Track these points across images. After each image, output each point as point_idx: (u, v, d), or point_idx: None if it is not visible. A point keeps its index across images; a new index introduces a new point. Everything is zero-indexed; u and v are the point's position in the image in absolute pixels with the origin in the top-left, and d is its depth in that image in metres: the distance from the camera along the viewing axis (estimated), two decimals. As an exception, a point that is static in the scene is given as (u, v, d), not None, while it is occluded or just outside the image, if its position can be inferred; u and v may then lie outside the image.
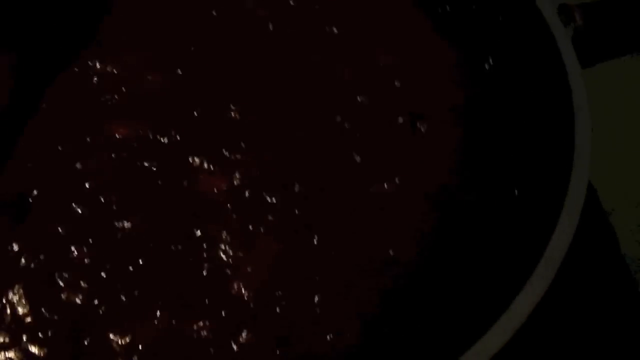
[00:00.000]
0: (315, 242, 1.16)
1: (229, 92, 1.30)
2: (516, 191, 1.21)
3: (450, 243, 1.19)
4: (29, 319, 1.09)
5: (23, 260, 1.13)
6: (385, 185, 1.22)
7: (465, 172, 1.27)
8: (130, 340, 1.09)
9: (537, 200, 1.18)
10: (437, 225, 1.21)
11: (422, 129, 1.30)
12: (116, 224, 1.17)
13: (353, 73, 1.36)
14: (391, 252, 1.16)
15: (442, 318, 1.10)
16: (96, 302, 1.11)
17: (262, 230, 1.17)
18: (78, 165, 1.22)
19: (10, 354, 1.06)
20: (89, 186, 1.20)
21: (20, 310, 1.10)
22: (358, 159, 1.25)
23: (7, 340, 1.07)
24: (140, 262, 1.14)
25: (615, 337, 1.28)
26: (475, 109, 1.35)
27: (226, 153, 1.24)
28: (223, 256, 1.15)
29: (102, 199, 1.19)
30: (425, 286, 1.14)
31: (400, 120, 1.30)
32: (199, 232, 1.17)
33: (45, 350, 1.07)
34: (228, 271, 1.14)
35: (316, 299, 1.12)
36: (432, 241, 1.19)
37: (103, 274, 1.14)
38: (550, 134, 1.24)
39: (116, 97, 1.29)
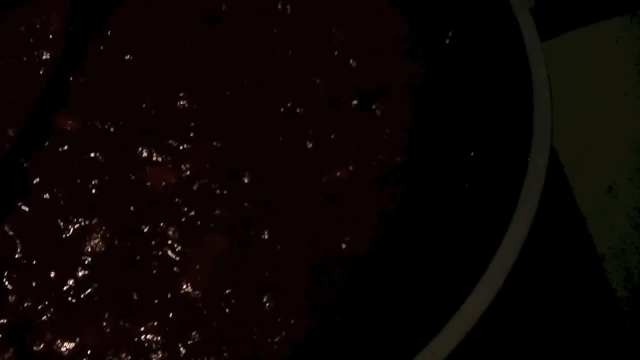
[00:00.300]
0: (265, 237, 1.14)
1: (178, 80, 1.27)
2: (471, 173, 1.18)
3: (403, 232, 1.17)
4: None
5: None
6: (338, 173, 1.19)
7: (418, 151, 1.24)
8: (77, 345, 1.08)
9: (493, 184, 1.15)
10: (391, 212, 1.19)
11: (377, 110, 1.27)
12: (60, 222, 1.14)
13: (307, 54, 1.32)
14: (344, 246, 1.14)
15: (396, 315, 1.08)
16: (43, 305, 1.10)
17: (210, 225, 1.15)
18: (25, 164, 1.19)
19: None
20: (35, 182, 1.18)
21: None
22: (310, 145, 1.22)
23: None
24: (87, 262, 1.12)
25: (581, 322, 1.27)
26: (431, 85, 1.31)
27: (175, 144, 1.21)
28: (171, 254, 1.13)
29: (47, 196, 1.17)
30: (378, 280, 1.12)
31: (354, 102, 1.27)
32: (146, 228, 1.15)
33: (-9, 355, 1.07)
34: (176, 269, 1.12)
35: (265, 297, 1.10)
36: (385, 231, 1.17)
37: (52, 274, 1.12)
38: (508, 110, 1.20)
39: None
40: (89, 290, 1.11)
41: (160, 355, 1.07)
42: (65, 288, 1.11)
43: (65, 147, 1.21)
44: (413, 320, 1.01)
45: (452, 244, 1.12)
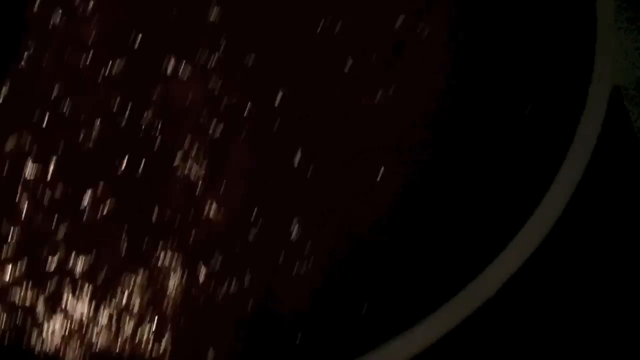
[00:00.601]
0: (297, 161, 1.05)
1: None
2: (524, 109, 1.07)
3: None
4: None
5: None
6: (379, 94, 1.09)
7: (461, 86, 1.13)
8: (92, 263, 1.01)
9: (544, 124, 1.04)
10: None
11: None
12: (80, 135, 1.06)
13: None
14: (378, 178, 1.05)
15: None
16: (57, 220, 1.03)
17: (239, 139, 1.06)
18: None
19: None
20: (53, 96, 1.09)
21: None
22: (350, 63, 1.12)
23: None
24: (102, 183, 1.04)
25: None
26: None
27: (204, 54, 1.11)
28: (194, 171, 1.04)
29: (64, 109, 1.08)
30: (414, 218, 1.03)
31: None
32: (167, 144, 1.06)
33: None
34: (199, 189, 1.04)
35: (294, 227, 1.02)
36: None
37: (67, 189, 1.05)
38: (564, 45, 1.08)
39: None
40: (105, 208, 1.03)
41: (178, 279, 1.00)
42: (81, 205, 1.03)
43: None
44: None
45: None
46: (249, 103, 1.08)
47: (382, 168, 1.05)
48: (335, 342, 0.95)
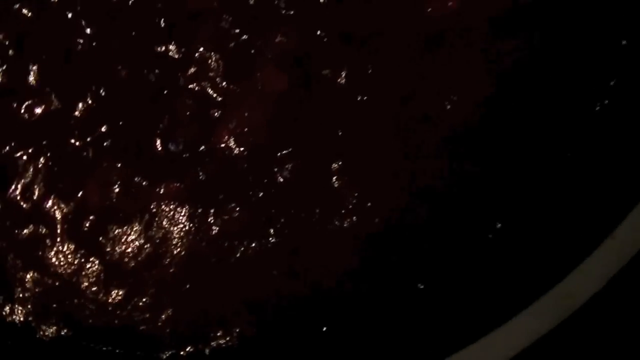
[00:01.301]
0: (342, 81, 0.82)
1: None
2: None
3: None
4: None
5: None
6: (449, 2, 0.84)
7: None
8: (76, 204, 0.80)
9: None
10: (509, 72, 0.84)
11: None
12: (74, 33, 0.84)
13: None
14: (448, 106, 0.81)
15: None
16: (35, 147, 0.82)
17: (268, 55, 0.82)
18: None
19: None
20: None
21: None
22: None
23: None
24: (97, 90, 0.83)
25: None
26: None
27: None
28: (211, 90, 0.82)
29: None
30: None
31: None
32: (181, 52, 0.83)
33: None
34: (216, 112, 0.81)
35: (334, 165, 0.79)
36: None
37: (53, 102, 0.83)
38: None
39: None
40: (97, 132, 0.82)
41: (183, 230, 0.79)
42: (67, 125, 0.82)
43: None
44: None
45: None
46: (284, 4, 0.84)
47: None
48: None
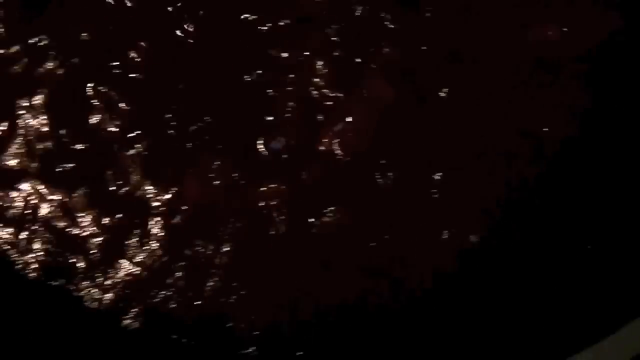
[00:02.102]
0: (444, 94, 0.82)
1: None
2: None
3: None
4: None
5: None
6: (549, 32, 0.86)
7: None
8: (173, 197, 0.80)
9: None
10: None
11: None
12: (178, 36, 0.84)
13: None
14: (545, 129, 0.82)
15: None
16: (134, 133, 0.81)
17: (373, 66, 0.83)
18: None
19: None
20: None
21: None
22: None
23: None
24: (196, 82, 0.83)
25: None
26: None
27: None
28: (316, 94, 0.82)
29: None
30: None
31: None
32: (286, 55, 0.84)
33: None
34: (321, 117, 0.81)
35: (436, 177, 0.80)
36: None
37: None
38: None
39: None
40: (198, 125, 0.82)
41: (277, 231, 0.79)
42: (167, 114, 0.82)
43: None
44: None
45: None
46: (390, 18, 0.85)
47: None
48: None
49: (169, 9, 0.86)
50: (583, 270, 0.77)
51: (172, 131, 0.82)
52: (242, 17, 0.85)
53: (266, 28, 0.85)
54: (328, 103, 0.81)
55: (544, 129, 0.83)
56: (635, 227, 0.77)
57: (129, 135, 0.82)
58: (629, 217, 0.78)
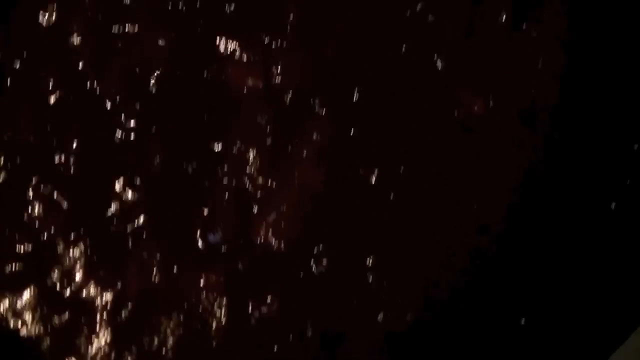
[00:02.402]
0: (374, 180, 0.86)
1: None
2: None
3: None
4: None
5: None
6: (476, 107, 0.89)
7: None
8: (117, 292, 0.82)
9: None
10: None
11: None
12: (108, 122, 0.87)
13: None
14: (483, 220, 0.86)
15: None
16: (75, 232, 0.84)
17: (303, 153, 0.86)
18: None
19: None
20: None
21: None
22: (440, 65, 0.91)
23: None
24: (136, 179, 0.86)
25: None
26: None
27: (266, 38, 0.91)
28: (249, 183, 0.85)
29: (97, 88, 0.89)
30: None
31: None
32: (219, 146, 0.87)
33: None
34: (254, 207, 0.84)
35: (369, 261, 0.83)
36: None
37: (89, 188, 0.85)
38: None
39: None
40: (136, 222, 0.84)
41: (218, 321, 0.82)
42: (107, 213, 0.84)
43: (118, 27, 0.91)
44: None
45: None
46: (320, 101, 0.88)
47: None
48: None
49: (107, 105, 0.88)
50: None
51: (112, 227, 0.84)
52: (178, 108, 0.88)
53: (200, 118, 0.87)
54: (261, 193, 0.84)
55: (483, 207, 0.86)
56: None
57: (70, 235, 0.84)
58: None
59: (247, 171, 0.85)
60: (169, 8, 0.90)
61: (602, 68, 0.88)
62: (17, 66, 0.88)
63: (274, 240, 0.83)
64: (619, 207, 0.86)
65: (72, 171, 0.87)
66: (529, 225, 0.85)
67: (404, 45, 0.90)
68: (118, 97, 0.89)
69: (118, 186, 0.86)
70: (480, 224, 0.85)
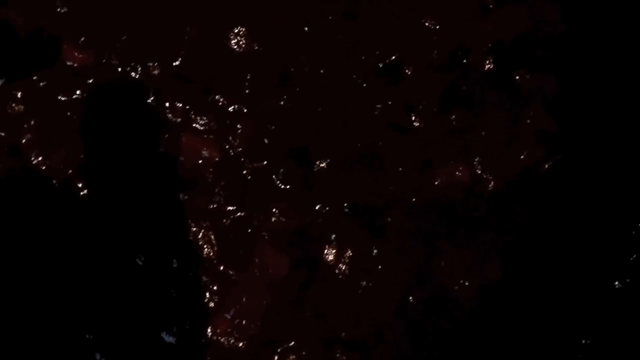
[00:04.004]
0: (343, 268, 0.78)
1: (234, 6, 0.87)
2: None
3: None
4: None
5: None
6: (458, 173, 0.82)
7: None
8: None
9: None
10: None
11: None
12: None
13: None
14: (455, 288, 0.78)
15: None
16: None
17: (264, 235, 0.79)
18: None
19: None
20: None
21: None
22: (417, 123, 0.84)
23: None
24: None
25: None
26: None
27: (222, 102, 0.83)
28: (205, 276, 0.78)
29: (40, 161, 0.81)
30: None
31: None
32: (172, 229, 0.79)
33: None
34: (212, 301, 0.78)
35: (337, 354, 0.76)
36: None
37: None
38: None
39: None
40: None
41: None
42: None
43: (73, 91, 0.83)
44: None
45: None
46: (281, 175, 0.81)
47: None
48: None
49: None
50: None
51: None
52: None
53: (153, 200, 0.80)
54: (219, 285, 0.77)
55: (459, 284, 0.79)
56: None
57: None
58: None
59: (205, 257, 0.78)
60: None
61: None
62: None
63: (235, 339, 0.76)
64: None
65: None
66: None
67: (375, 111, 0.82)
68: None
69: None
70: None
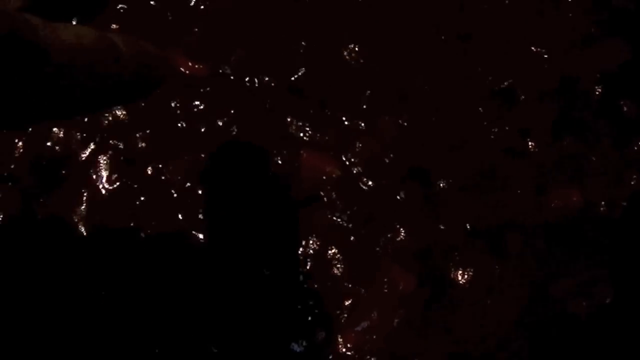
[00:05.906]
0: (466, 279, 0.78)
1: (346, 20, 0.87)
2: None
3: None
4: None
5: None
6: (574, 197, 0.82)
7: None
8: None
9: None
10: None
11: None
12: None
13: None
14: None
15: None
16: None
17: (389, 251, 0.79)
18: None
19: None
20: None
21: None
22: (532, 147, 0.85)
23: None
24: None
25: None
26: None
27: (342, 117, 0.83)
28: (333, 291, 0.77)
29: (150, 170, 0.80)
30: None
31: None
32: (295, 248, 0.78)
33: None
34: (342, 316, 0.77)
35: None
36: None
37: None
38: None
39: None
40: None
41: None
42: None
43: (188, 102, 0.82)
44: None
45: None
46: (402, 191, 0.81)
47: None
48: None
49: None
50: None
51: None
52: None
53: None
54: (348, 300, 0.76)
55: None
56: None
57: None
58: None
59: (332, 273, 0.77)
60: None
61: None
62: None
63: (366, 354, 0.75)
64: None
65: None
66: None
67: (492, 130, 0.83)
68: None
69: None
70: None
